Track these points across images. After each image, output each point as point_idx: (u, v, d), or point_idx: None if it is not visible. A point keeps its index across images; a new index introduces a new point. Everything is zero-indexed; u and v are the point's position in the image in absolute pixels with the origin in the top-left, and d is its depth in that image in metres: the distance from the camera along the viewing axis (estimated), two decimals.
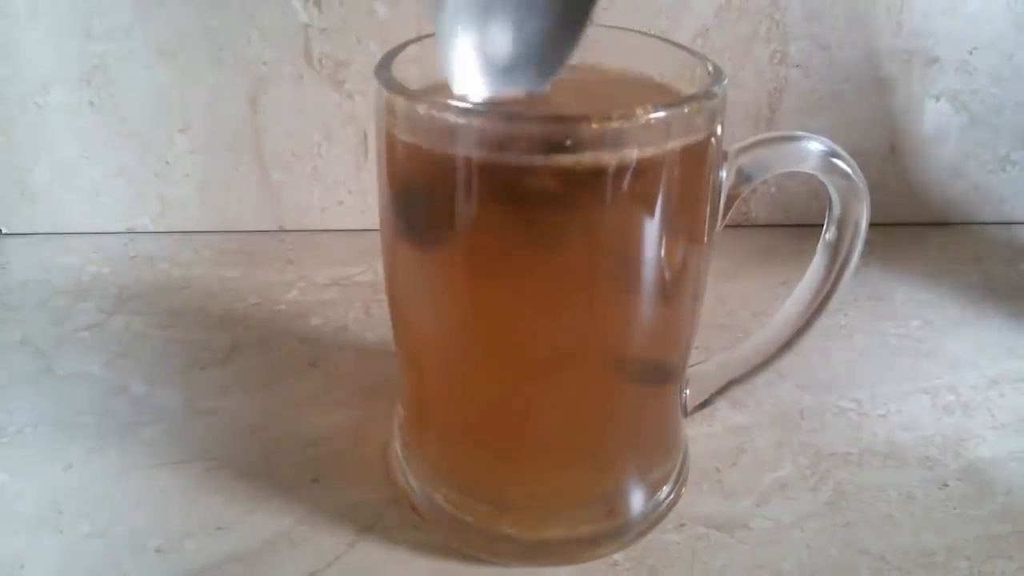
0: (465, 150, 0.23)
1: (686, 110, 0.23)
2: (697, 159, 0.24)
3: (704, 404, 0.31)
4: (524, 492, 0.29)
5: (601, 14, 0.45)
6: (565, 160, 0.22)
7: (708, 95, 0.24)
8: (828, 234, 0.28)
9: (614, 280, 0.25)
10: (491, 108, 0.26)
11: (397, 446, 0.32)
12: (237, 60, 0.45)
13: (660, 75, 0.29)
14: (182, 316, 0.42)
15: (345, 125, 0.46)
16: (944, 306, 0.43)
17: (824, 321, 0.29)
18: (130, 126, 0.46)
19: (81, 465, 0.32)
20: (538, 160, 0.22)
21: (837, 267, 0.28)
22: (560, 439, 0.28)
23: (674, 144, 0.23)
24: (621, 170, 0.23)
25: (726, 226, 0.27)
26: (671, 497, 0.30)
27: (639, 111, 0.22)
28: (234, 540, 0.29)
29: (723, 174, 0.26)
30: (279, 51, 0.45)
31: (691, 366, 0.31)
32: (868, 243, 0.28)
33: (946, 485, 0.32)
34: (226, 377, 0.37)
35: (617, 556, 0.29)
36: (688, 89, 0.27)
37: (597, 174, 0.23)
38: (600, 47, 0.30)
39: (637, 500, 0.29)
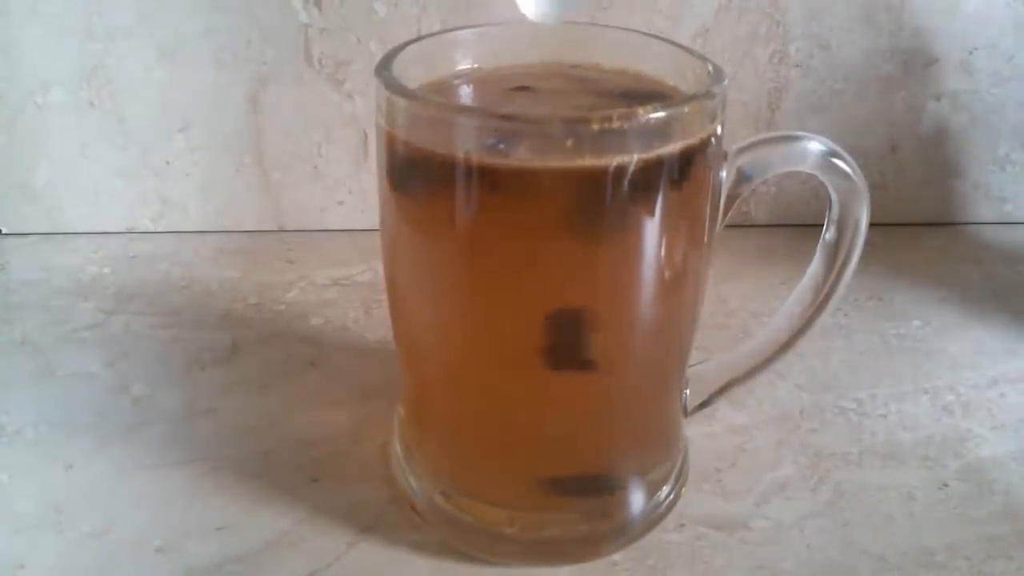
0: (465, 150, 0.23)
1: (686, 110, 0.23)
2: (697, 159, 0.24)
3: (704, 404, 0.31)
4: (524, 492, 0.29)
5: (601, 14, 0.45)
6: (565, 160, 0.22)
7: (708, 95, 0.24)
8: (828, 234, 0.28)
9: (614, 280, 0.25)
10: (491, 108, 0.26)
11: (397, 446, 0.32)
12: (237, 60, 0.45)
13: (660, 75, 0.29)
14: (182, 316, 0.42)
15: (345, 125, 0.46)
16: (944, 306, 0.43)
17: (824, 321, 0.29)
18: (130, 126, 0.46)
19: (81, 465, 0.32)
20: (538, 160, 0.22)
21: (837, 267, 0.28)
22: (560, 439, 0.28)
23: (674, 144, 0.23)
24: (621, 170, 0.23)
25: (726, 226, 0.27)
26: (671, 497, 0.30)
27: (640, 111, 0.22)
28: (234, 540, 0.29)
29: (723, 174, 0.26)
30: (279, 51, 0.45)
31: (691, 366, 0.31)
32: (868, 243, 0.28)
33: (946, 485, 0.32)
34: (226, 377, 0.37)
35: (617, 556, 0.29)
36: (688, 89, 0.27)
37: (597, 174, 0.23)
38: (600, 47, 0.30)
39: (637, 500, 0.29)
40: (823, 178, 0.27)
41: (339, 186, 0.48)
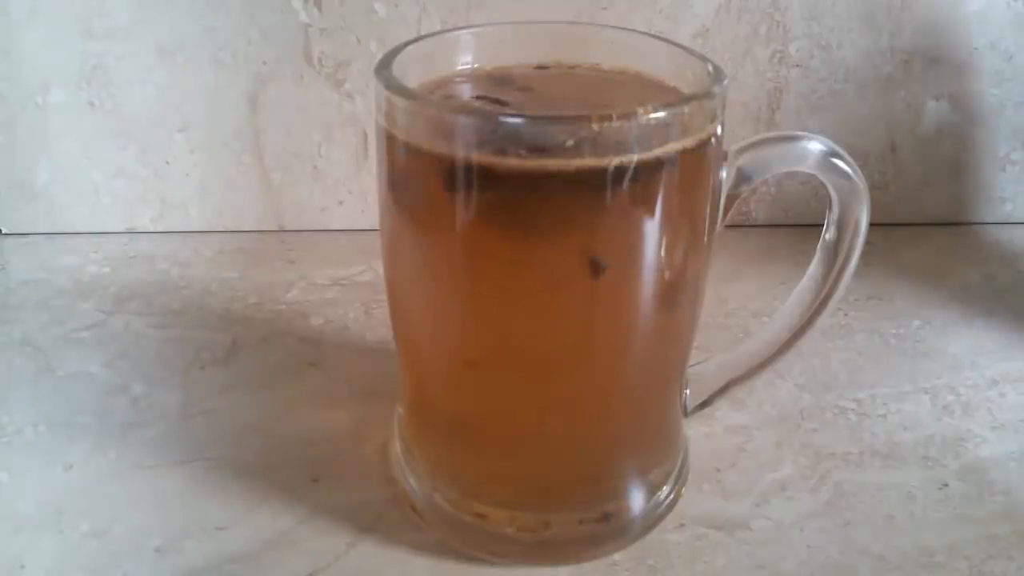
0: (465, 149, 0.23)
1: (686, 110, 0.23)
2: (697, 159, 0.24)
3: (704, 404, 0.31)
4: (524, 492, 0.29)
5: (601, 14, 0.45)
6: (565, 160, 0.22)
7: (708, 95, 0.24)
8: (828, 234, 0.28)
9: (614, 280, 0.25)
10: (491, 108, 0.26)
11: (397, 446, 0.32)
12: (237, 60, 0.45)
13: (660, 75, 0.29)
14: (182, 316, 0.42)
15: (345, 125, 0.46)
16: (944, 306, 0.43)
17: (824, 321, 0.29)
18: (130, 126, 0.46)
19: (81, 465, 0.32)
20: (538, 160, 0.22)
21: (837, 267, 0.28)
22: (560, 439, 0.28)
23: (674, 144, 0.23)
24: (621, 170, 0.23)
25: (726, 226, 0.27)
26: (671, 497, 0.30)
27: (639, 111, 0.22)
28: (234, 540, 0.29)
29: (723, 174, 0.26)
30: (279, 51, 0.45)
31: (691, 366, 0.31)
32: (868, 243, 0.28)
33: (946, 485, 0.32)
34: (226, 377, 0.37)
35: (617, 556, 0.29)
36: (688, 89, 0.27)
37: (597, 174, 0.23)
38: (600, 47, 0.30)
39: (637, 500, 0.29)
40: (823, 178, 0.27)
41: (339, 186, 0.48)
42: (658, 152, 0.23)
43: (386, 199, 0.26)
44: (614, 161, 0.22)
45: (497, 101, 0.27)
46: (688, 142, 0.24)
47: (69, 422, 0.34)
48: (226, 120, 0.46)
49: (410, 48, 0.27)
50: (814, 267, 0.29)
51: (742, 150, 0.27)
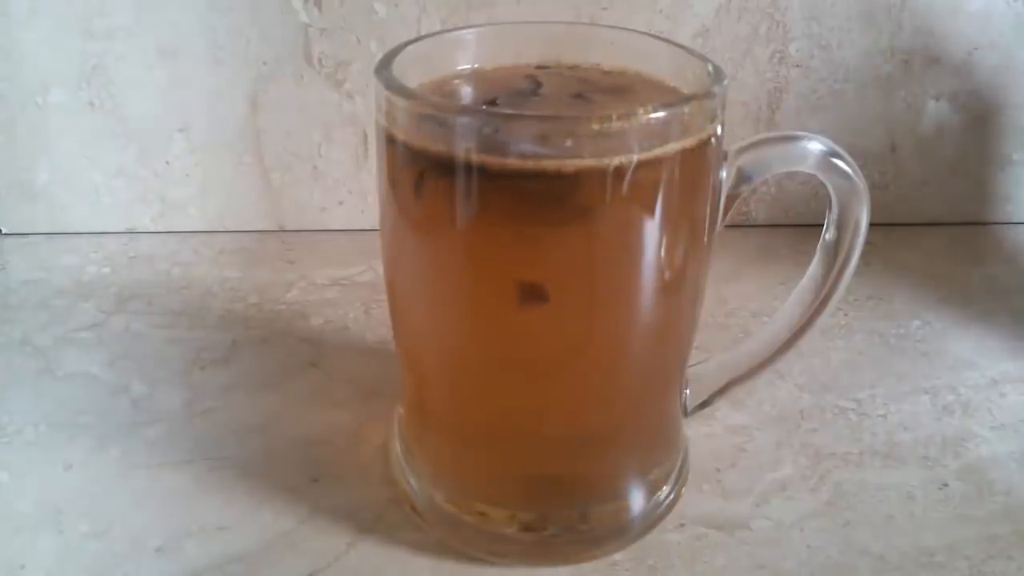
0: (464, 150, 0.23)
1: (686, 110, 0.23)
2: (697, 159, 0.24)
3: (704, 404, 0.31)
4: (524, 492, 0.29)
5: (601, 14, 0.45)
6: (565, 160, 0.22)
7: (708, 95, 0.24)
8: (828, 234, 0.28)
9: (614, 280, 0.25)
10: (490, 108, 0.26)
11: (397, 446, 0.32)
12: (237, 60, 0.45)
13: (660, 75, 0.29)
14: (182, 316, 0.42)
15: (345, 125, 0.46)
16: (944, 306, 0.43)
17: (824, 321, 0.29)
18: (130, 126, 0.46)
19: (81, 465, 0.32)
20: (537, 160, 0.22)
21: (837, 267, 0.28)
22: (559, 439, 0.28)
23: (674, 144, 0.23)
24: (621, 170, 0.23)
25: (726, 226, 0.27)
26: (671, 497, 0.30)
27: (639, 111, 0.22)
28: (234, 540, 0.29)
29: (723, 174, 0.26)
30: (279, 51, 0.45)
31: (691, 366, 0.31)
32: (868, 243, 0.28)
33: (946, 485, 0.32)
34: (226, 377, 0.37)
35: (617, 556, 0.29)
36: (688, 89, 0.27)
37: (597, 174, 0.23)
38: (600, 47, 0.30)
39: (637, 500, 0.29)
40: (823, 178, 0.27)
41: (339, 186, 0.48)
42: (658, 152, 0.23)
43: (386, 199, 0.26)
44: (614, 161, 0.22)
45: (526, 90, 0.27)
46: (688, 142, 0.24)
47: (69, 422, 0.34)
48: (226, 120, 0.46)
49: (410, 48, 0.27)
50: (814, 267, 0.29)
51: (742, 150, 0.27)
